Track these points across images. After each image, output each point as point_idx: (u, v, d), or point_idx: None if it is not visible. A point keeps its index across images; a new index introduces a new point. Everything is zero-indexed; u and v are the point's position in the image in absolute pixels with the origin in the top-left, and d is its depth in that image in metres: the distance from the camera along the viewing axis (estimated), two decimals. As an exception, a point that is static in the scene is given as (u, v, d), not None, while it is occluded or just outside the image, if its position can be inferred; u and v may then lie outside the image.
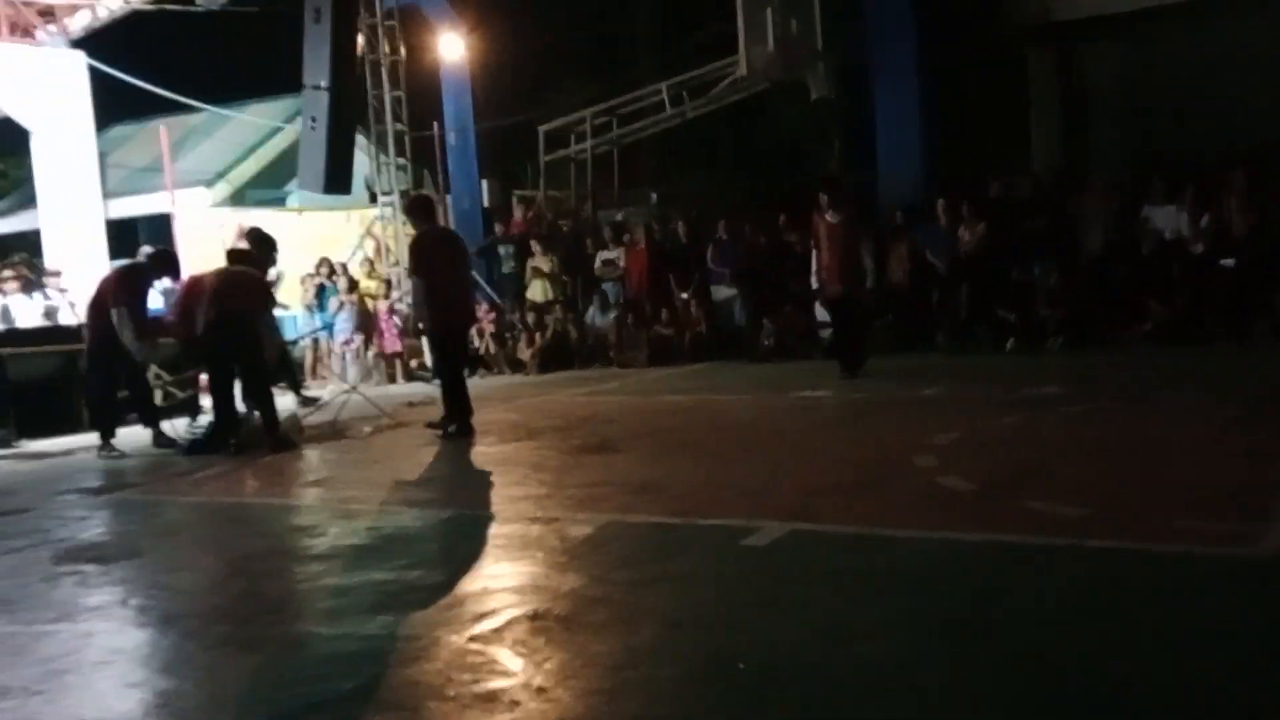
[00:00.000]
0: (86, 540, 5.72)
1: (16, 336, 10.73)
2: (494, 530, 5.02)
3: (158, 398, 10.01)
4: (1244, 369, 9.00)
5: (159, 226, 16.24)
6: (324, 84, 12.71)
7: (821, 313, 12.18)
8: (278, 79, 17.35)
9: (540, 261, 14.85)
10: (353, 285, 14.38)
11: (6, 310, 11.46)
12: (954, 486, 5.11)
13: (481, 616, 3.67)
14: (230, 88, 19.65)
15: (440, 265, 8.16)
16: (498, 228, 15.94)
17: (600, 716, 2.82)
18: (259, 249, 10.18)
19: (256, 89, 19.69)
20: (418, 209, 8.84)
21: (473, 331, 14.14)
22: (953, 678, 2.91)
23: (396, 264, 14.92)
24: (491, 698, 2.95)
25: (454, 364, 8.55)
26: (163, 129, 16.26)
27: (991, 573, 3.84)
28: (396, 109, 15.53)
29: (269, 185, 19.04)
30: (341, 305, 14.05)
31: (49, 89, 15.49)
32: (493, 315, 14.52)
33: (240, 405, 8.82)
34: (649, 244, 14.24)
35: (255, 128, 19.04)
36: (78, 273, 13.14)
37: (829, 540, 4.48)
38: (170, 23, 16.86)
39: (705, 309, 13.56)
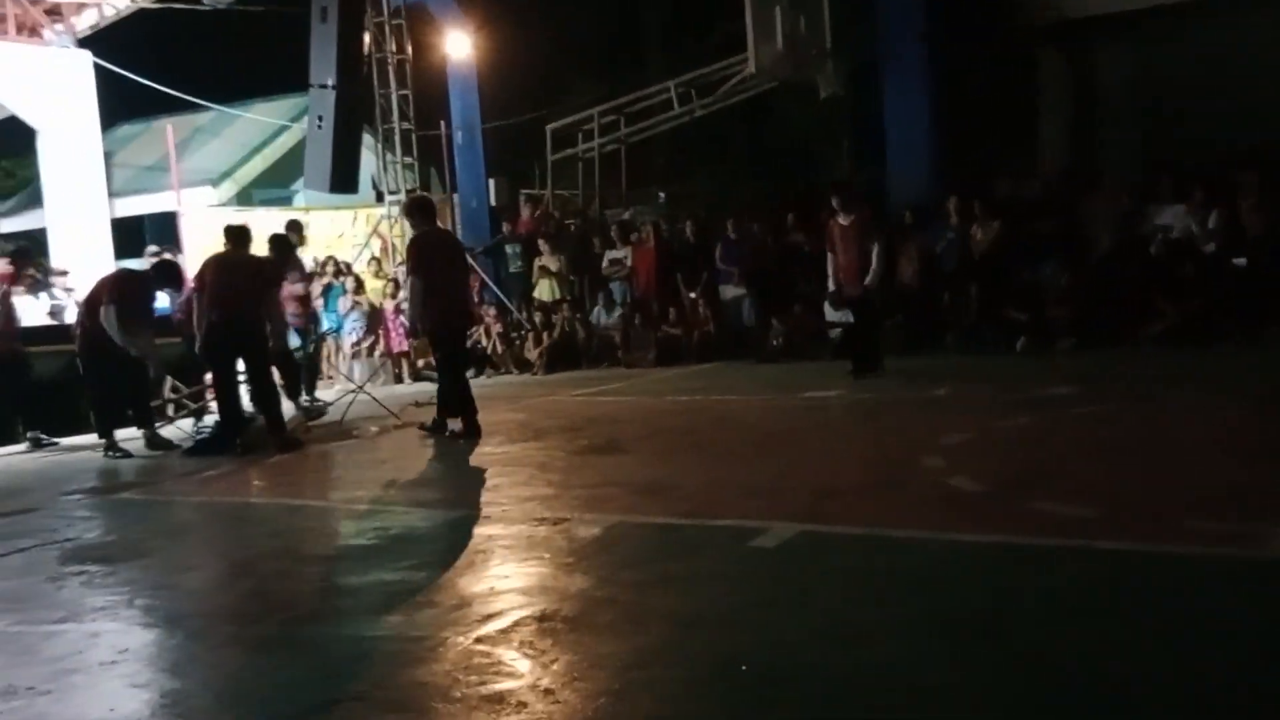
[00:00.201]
0: (93, 540, 5.73)
1: (24, 336, 10.73)
2: (501, 531, 5.00)
3: (169, 410, 10.03)
4: (1255, 369, 8.95)
5: (165, 225, 16.26)
6: (330, 83, 12.74)
7: (830, 313, 12.15)
8: (284, 78, 17.42)
9: (547, 261, 14.85)
10: (359, 285, 14.38)
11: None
12: (963, 487, 5.09)
13: (488, 617, 3.65)
14: (237, 86, 19.74)
15: (440, 265, 8.16)
16: (505, 227, 15.93)
17: (608, 718, 2.80)
18: (277, 253, 10.18)
19: (263, 88, 19.76)
20: (417, 210, 8.83)
21: (479, 331, 14.18)
22: (957, 678, 2.89)
23: (403, 263, 14.91)
24: (498, 699, 2.93)
25: (454, 365, 8.55)
26: (169, 128, 16.30)
27: (999, 574, 3.82)
28: (403, 108, 15.53)
29: (275, 184, 19.08)
30: (352, 306, 14.04)
31: (55, 88, 15.52)
32: (496, 315, 14.51)
33: (247, 405, 8.82)
34: (657, 243, 14.22)
35: (261, 127, 19.07)
36: (83, 272, 13.15)
37: (838, 541, 4.45)
38: (176, 22, 16.93)
39: (713, 309, 13.52)
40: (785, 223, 13.83)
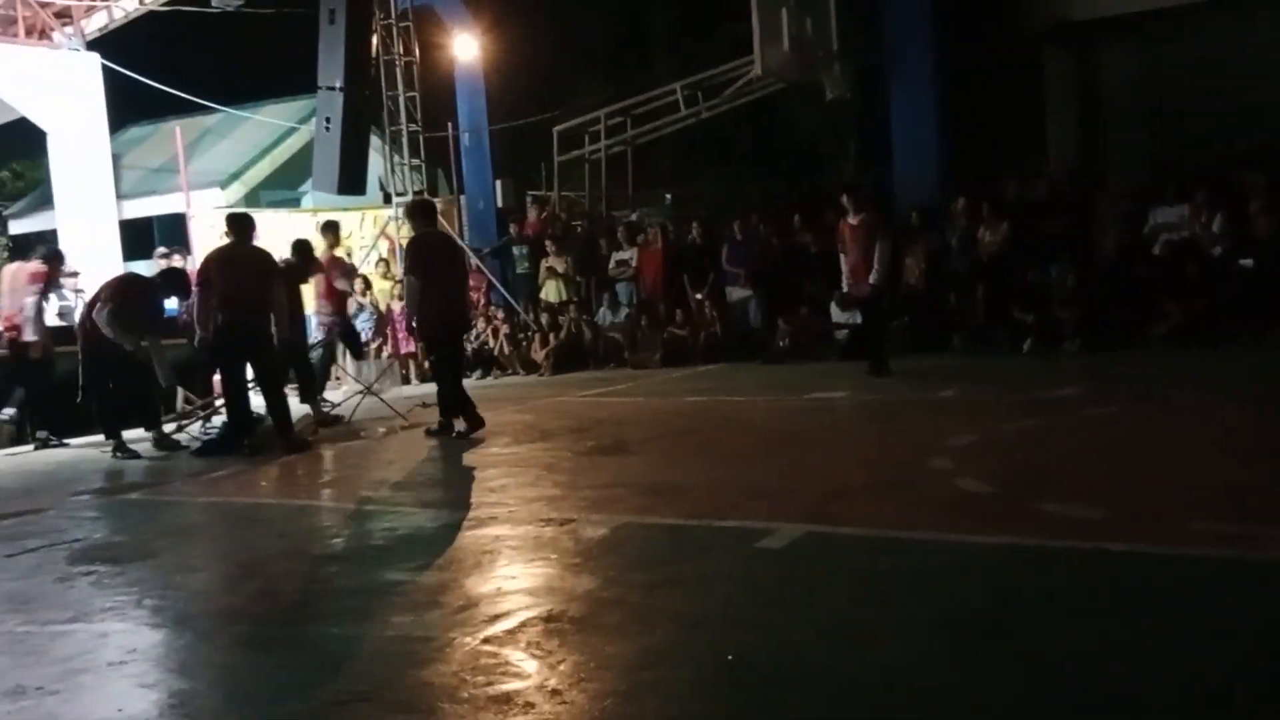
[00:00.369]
0: (101, 540, 5.75)
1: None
2: (508, 531, 5.01)
3: (185, 424, 10.05)
4: (1262, 370, 8.94)
5: (174, 227, 16.32)
6: (338, 85, 12.76)
7: (836, 313, 12.15)
8: (292, 80, 17.48)
9: (554, 262, 14.87)
10: (367, 286, 14.40)
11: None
12: (970, 489, 5.08)
13: (495, 618, 3.66)
14: (245, 88, 19.77)
15: (438, 266, 8.24)
16: (512, 228, 15.95)
17: (615, 718, 2.81)
18: (301, 260, 10.18)
19: (271, 90, 19.78)
20: (419, 212, 9.01)
21: (487, 331, 14.20)
22: (959, 679, 2.89)
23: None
24: (505, 700, 2.94)
25: (451, 366, 8.59)
26: (178, 130, 16.32)
27: (1004, 575, 3.82)
28: (411, 110, 15.56)
29: (284, 186, 19.10)
30: (361, 307, 14.07)
31: (65, 90, 15.59)
32: (503, 316, 14.52)
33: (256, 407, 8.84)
34: (664, 244, 14.23)
35: (270, 128, 19.10)
36: (92, 274, 13.18)
37: (844, 542, 4.45)
38: (185, 24, 16.99)
39: (719, 310, 13.53)
40: (791, 224, 13.83)
